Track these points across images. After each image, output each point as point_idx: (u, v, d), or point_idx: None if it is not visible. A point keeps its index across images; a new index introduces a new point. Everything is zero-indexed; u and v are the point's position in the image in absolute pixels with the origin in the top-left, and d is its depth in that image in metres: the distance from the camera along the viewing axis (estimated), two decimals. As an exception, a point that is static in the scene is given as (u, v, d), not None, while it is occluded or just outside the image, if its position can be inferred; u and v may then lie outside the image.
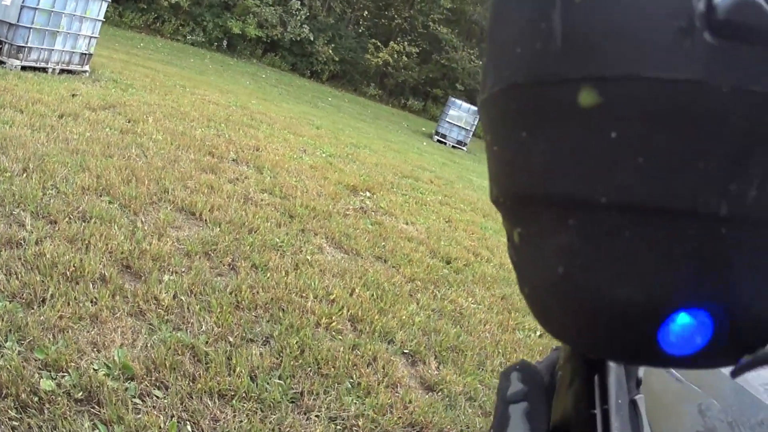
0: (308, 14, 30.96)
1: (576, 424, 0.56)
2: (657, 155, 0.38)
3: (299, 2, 30.76)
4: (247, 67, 26.02)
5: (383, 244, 6.16)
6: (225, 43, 29.41)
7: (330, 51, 31.55)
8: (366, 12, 34.76)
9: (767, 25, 0.36)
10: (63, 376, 2.72)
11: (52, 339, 2.93)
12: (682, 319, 0.41)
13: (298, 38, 30.31)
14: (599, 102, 0.39)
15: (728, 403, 1.86)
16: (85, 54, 10.75)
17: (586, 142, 0.40)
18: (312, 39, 30.77)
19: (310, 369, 3.41)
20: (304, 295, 4.34)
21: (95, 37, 10.93)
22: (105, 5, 11.12)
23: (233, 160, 7.62)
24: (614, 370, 0.57)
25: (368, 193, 8.21)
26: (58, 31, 10.00)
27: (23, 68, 9.46)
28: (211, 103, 11.55)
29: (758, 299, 0.41)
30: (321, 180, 8.03)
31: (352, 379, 3.50)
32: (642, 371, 0.70)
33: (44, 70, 9.90)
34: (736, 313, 0.41)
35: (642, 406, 0.67)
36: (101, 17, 11.05)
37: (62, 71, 10.23)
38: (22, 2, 9.40)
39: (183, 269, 4.15)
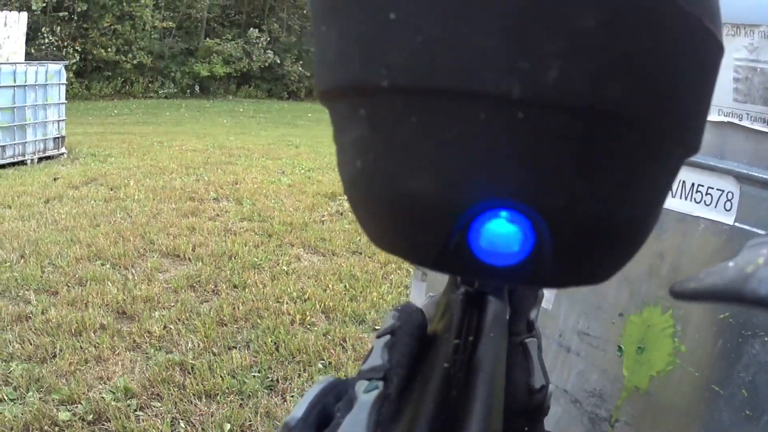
0: (269, 39, 31.42)
1: (439, 354, 0.53)
2: (434, 32, 0.37)
3: (257, 30, 31.37)
4: (223, 105, 26.59)
5: (359, 239, 6.59)
6: (197, 87, 29.99)
7: (300, 68, 32.04)
8: (324, 22, 34.84)
9: None
10: (77, 407, 3.39)
11: (65, 382, 3.61)
12: (494, 222, 0.40)
13: (266, 64, 30.79)
14: None
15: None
16: (58, 137, 11.35)
17: (367, 26, 0.40)
18: (279, 61, 31.30)
19: (284, 360, 4.02)
20: (280, 300, 4.94)
21: (63, 120, 11.47)
22: (63, 88, 11.63)
23: (213, 199, 8.23)
24: (493, 306, 0.53)
25: (346, 197, 8.59)
26: (26, 124, 10.57)
27: (1, 166, 10.06)
28: (188, 152, 12.14)
29: (580, 201, 0.40)
30: (299, 195, 8.57)
31: (323, 360, 4.06)
32: (534, 314, 0.66)
33: (23, 163, 10.51)
34: (555, 217, 0.39)
35: (534, 349, 0.65)
36: (63, 100, 11.55)
37: (40, 159, 10.85)
38: (-16, 106, 9.94)
39: (171, 304, 4.81)
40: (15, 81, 10.42)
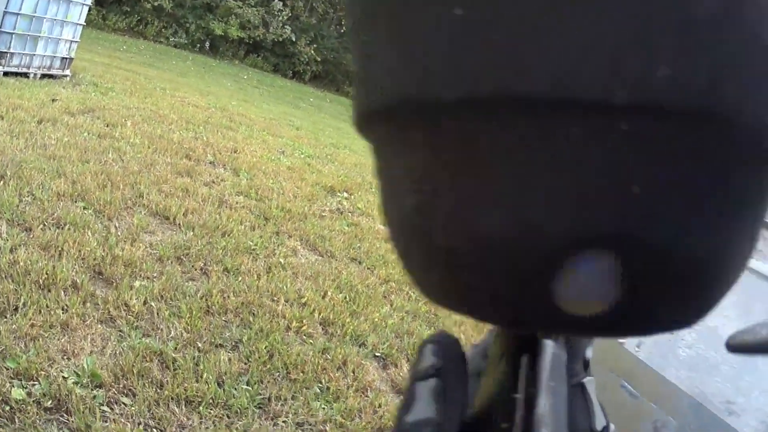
0: (290, 15, 31.07)
1: (496, 409, 0.46)
2: (515, 29, 0.29)
3: (281, 3, 30.87)
4: (229, 68, 26.07)
5: (359, 245, 6.18)
6: (207, 44, 29.46)
7: (312, 51, 31.64)
8: (348, 11, 34.83)
9: None
10: (33, 385, 2.76)
11: (23, 348, 2.97)
12: (583, 266, 0.31)
13: (281, 39, 30.38)
14: None
15: (686, 421, 1.91)
16: (66, 58, 10.75)
17: (425, 29, 0.32)
18: (294, 39, 30.87)
19: (278, 374, 3.46)
20: (275, 298, 4.38)
21: (76, 41, 10.93)
22: (86, 9, 11.12)
23: (210, 163, 7.65)
24: (549, 350, 0.46)
25: (346, 194, 8.22)
26: (39, 36, 9.97)
27: (5, 74, 9.46)
28: (190, 106, 11.56)
29: (686, 234, 0.31)
30: (298, 181, 8.05)
31: (321, 383, 3.54)
32: (590, 351, 0.61)
33: (26, 75, 9.90)
34: (656, 255, 0.31)
35: (592, 390, 0.58)
36: (82, 21, 11.05)
37: (43, 76, 10.22)
38: (5, 8, 9.40)
39: (155, 274, 4.19)
40: None
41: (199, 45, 29.07)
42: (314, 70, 32.70)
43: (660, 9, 0.28)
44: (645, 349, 2.04)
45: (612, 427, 0.59)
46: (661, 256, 0.31)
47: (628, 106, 0.28)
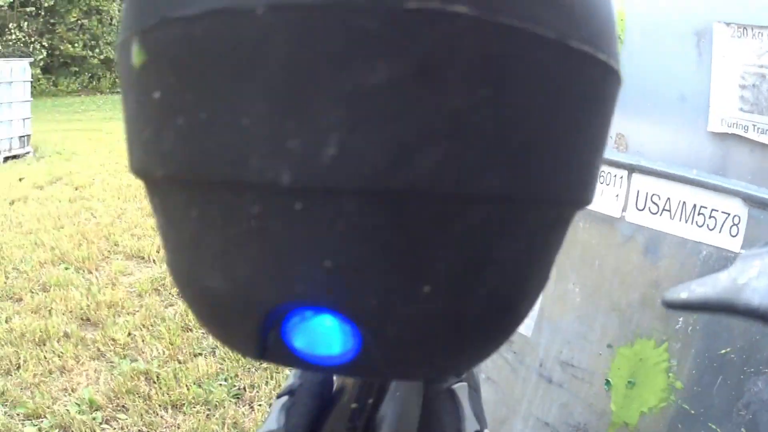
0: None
1: (340, 418, 0.50)
2: (196, 114, 0.30)
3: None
4: (187, 99, 26.09)
5: None
6: (162, 82, 29.63)
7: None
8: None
9: None
10: (42, 421, 3.27)
11: (29, 395, 3.48)
12: (312, 322, 0.33)
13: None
14: (145, 60, 0.31)
15: None
16: (24, 136, 11.14)
17: (139, 108, 0.33)
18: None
19: (251, 367, 3.91)
20: (245, 303, 4.83)
21: (29, 118, 11.28)
22: (28, 85, 11.44)
23: (178, 197, 8.03)
24: None
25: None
26: (-11, 123, 10.35)
27: (-33, 166, 9.86)
28: (153, 148, 11.90)
29: (397, 300, 0.31)
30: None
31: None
32: None
33: (-12, 162, 10.30)
34: (368, 319, 0.32)
35: (463, 395, 0.59)
36: (28, 97, 11.37)
37: (6, 158, 10.61)
38: (-55, 102, 9.73)
39: (136, 309, 4.68)
40: None
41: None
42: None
43: (322, 80, 0.27)
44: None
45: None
46: (375, 322, 0.32)
47: (295, 188, 0.28)
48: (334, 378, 0.55)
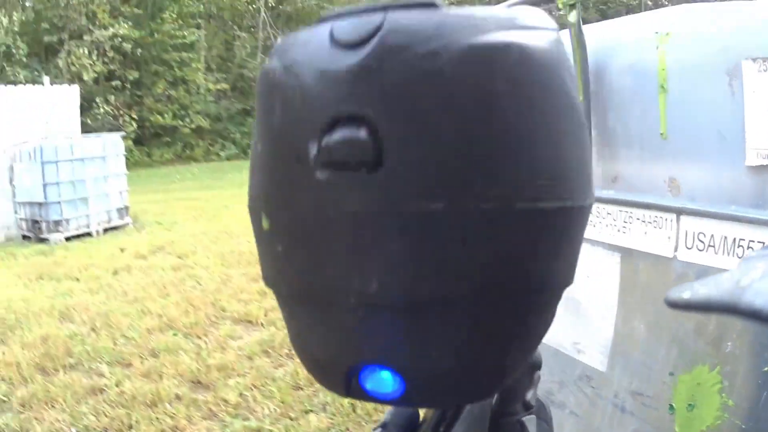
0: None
1: None
2: (304, 263, 0.53)
3: (317, 87, 31.74)
4: (287, 163, 26.70)
5: None
6: (258, 146, 30.45)
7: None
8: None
9: (355, 156, 0.48)
10: (157, 477, 3.56)
11: (144, 453, 3.79)
12: (377, 372, 0.54)
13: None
14: (270, 227, 0.55)
15: (550, 368, 2.23)
16: (122, 208, 11.82)
17: (269, 252, 0.56)
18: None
19: (361, 421, 4.13)
20: (356, 361, 5.05)
21: (126, 190, 11.95)
22: (122, 158, 12.16)
23: (283, 261, 8.38)
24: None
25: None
26: (88, 197, 11.06)
27: (67, 239, 10.53)
28: (254, 213, 12.36)
29: (421, 360, 0.52)
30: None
31: None
32: (530, 394, 0.74)
33: (88, 234, 10.97)
34: (406, 372, 0.53)
35: (532, 427, 0.73)
36: (123, 170, 12.06)
37: (106, 230, 11.27)
38: (43, 181, 10.53)
39: (246, 371, 4.98)
40: (73, 154, 10.95)
41: (249, 150, 29.93)
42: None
43: (369, 249, 0.49)
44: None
45: None
46: (410, 374, 0.53)
47: (357, 305, 0.51)
48: (420, 414, 0.72)
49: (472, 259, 0.50)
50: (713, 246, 1.66)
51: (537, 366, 0.74)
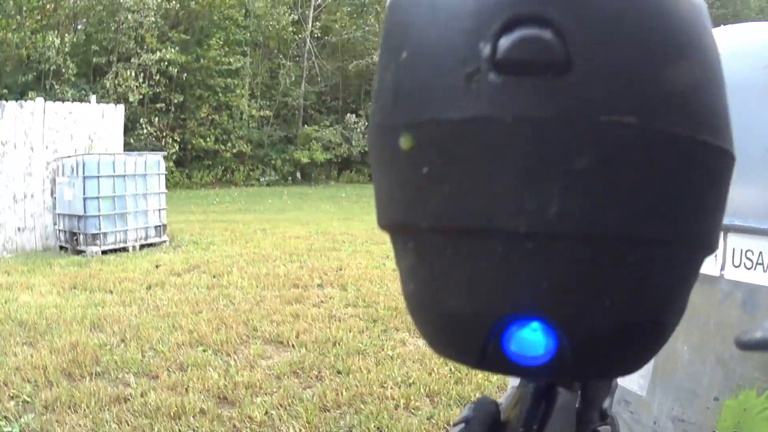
0: (366, 123, 31.85)
1: None
2: (458, 184, 0.44)
3: (354, 115, 32.47)
4: (325, 191, 27.28)
5: None
6: (298, 174, 30.99)
7: (400, 151, 32.32)
8: (417, 91, 35.61)
9: (541, 57, 0.42)
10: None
11: (163, 464, 3.71)
12: (522, 331, 0.46)
13: (366, 149, 30.97)
14: (414, 145, 0.46)
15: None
16: (160, 225, 11.92)
17: (407, 178, 0.47)
18: (379, 145, 31.69)
19: None
20: (384, 385, 4.97)
21: (164, 209, 12.07)
22: (163, 178, 12.32)
23: (318, 286, 8.41)
24: (562, 398, 0.59)
25: (407, 311, 8.69)
26: (126, 212, 11.22)
27: (104, 252, 10.67)
28: (292, 238, 12.50)
29: (588, 311, 0.46)
30: (404, 280, 8.59)
31: None
32: (607, 402, 0.70)
33: (124, 249, 11.09)
34: (568, 325, 0.46)
35: None
36: (163, 189, 12.21)
37: (142, 246, 11.40)
38: (84, 194, 10.71)
39: (273, 390, 4.90)
40: (114, 171, 11.14)
41: (290, 177, 30.36)
42: (410, 170, 33.38)
43: (549, 166, 0.42)
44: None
45: None
46: (571, 328, 0.46)
47: (528, 233, 0.43)
48: (501, 412, 0.64)
49: (661, 192, 0.45)
50: (762, 264, 1.59)
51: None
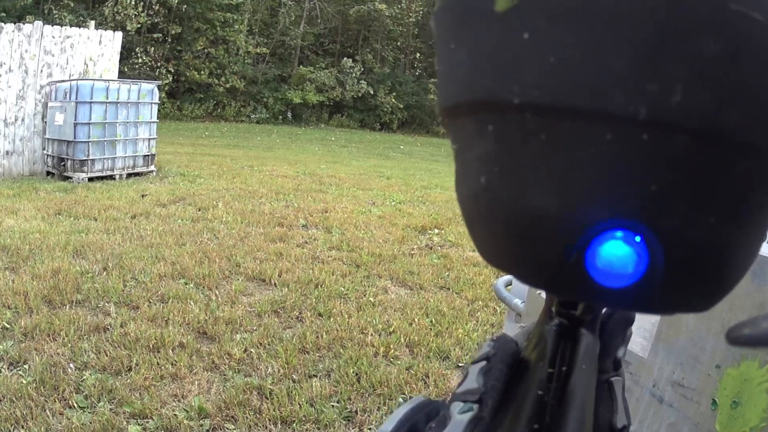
0: (362, 69, 31.91)
1: (533, 381, 0.55)
2: (567, 53, 0.38)
3: (350, 60, 32.07)
4: (315, 133, 27.07)
5: (447, 274, 6.59)
6: (289, 114, 30.74)
7: (393, 100, 32.45)
8: (418, 54, 35.42)
9: None
10: (148, 422, 3.40)
11: (138, 396, 3.63)
12: (611, 243, 0.41)
13: (359, 94, 31.34)
14: (513, 5, 0.40)
15: None
16: (148, 155, 11.77)
17: (501, 45, 0.41)
18: (373, 92, 31.89)
19: (365, 392, 3.96)
20: (364, 331, 4.91)
21: (154, 138, 11.91)
22: (155, 107, 12.13)
23: (302, 226, 8.32)
24: (585, 339, 0.56)
25: (437, 230, 8.68)
26: (116, 140, 11.06)
27: (90, 179, 10.53)
28: (279, 177, 12.39)
29: (693, 225, 0.40)
30: (389, 227, 8.58)
31: (404, 394, 3.98)
32: (621, 352, 0.67)
33: (111, 177, 10.97)
34: (669, 239, 0.40)
35: (618, 389, 0.65)
36: (154, 119, 12.04)
37: (129, 175, 11.28)
38: (75, 119, 10.53)
39: (254, 327, 4.82)
40: (108, 97, 10.94)
41: (281, 116, 30.14)
42: (400, 118, 33.24)
43: (678, 46, 0.36)
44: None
45: (632, 428, 0.65)
46: (672, 243, 0.40)
47: (647, 121, 0.37)
48: (521, 350, 0.61)
49: None
50: (771, 234, 1.51)
51: (631, 321, 0.66)
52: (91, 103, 10.64)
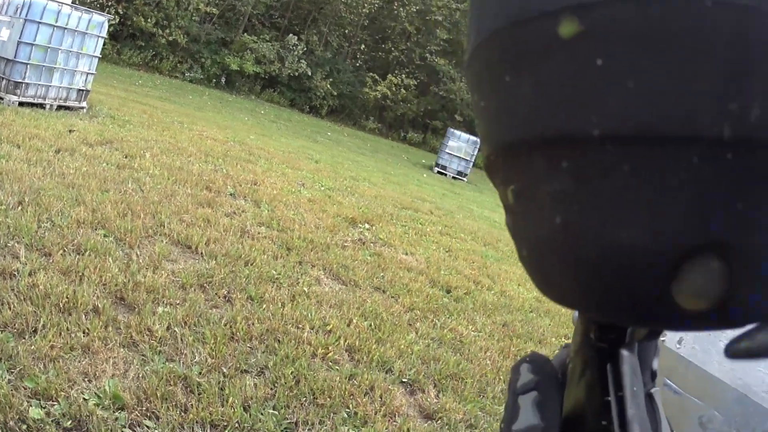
0: (305, 49, 31.39)
1: (590, 412, 0.52)
2: (647, 78, 0.36)
3: (296, 37, 31.26)
4: (245, 103, 26.36)
5: (382, 274, 6.19)
6: (223, 79, 29.89)
7: (328, 86, 32.05)
8: (363, 45, 35.31)
9: None
10: (52, 405, 2.72)
11: (42, 368, 2.93)
12: (698, 267, 0.38)
13: (296, 73, 30.78)
14: (581, 30, 0.37)
15: (731, 413, 1.86)
16: (83, 90, 10.90)
17: (571, 74, 0.38)
18: (310, 74, 31.34)
19: (305, 399, 3.41)
20: (300, 326, 4.34)
21: (92, 74, 11.13)
22: (101, 42, 11.33)
23: (230, 195, 7.68)
24: (628, 360, 0.52)
25: (367, 225, 8.30)
26: (55, 67, 10.19)
27: (21, 104, 9.65)
28: (209, 139, 11.65)
29: None
30: (319, 213, 8.09)
31: (349, 408, 3.49)
32: (656, 363, 0.64)
33: (42, 106, 10.07)
34: (754, 254, 0.37)
35: (659, 400, 0.63)
36: (98, 53, 11.27)
37: (60, 107, 10.38)
38: (19, 38, 9.64)
39: (177, 301, 4.15)
40: (57, 21, 10.10)
41: (215, 80, 29.41)
42: (331, 105, 33.01)
43: (754, 57, 0.34)
44: (686, 345, 2.04)
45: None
46: (757, 257, 0.37)
47: (731, 140, 0.35)
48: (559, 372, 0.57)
49: None
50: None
51: (660, 331, 0.59)
52: (39, 23, 9.78)
